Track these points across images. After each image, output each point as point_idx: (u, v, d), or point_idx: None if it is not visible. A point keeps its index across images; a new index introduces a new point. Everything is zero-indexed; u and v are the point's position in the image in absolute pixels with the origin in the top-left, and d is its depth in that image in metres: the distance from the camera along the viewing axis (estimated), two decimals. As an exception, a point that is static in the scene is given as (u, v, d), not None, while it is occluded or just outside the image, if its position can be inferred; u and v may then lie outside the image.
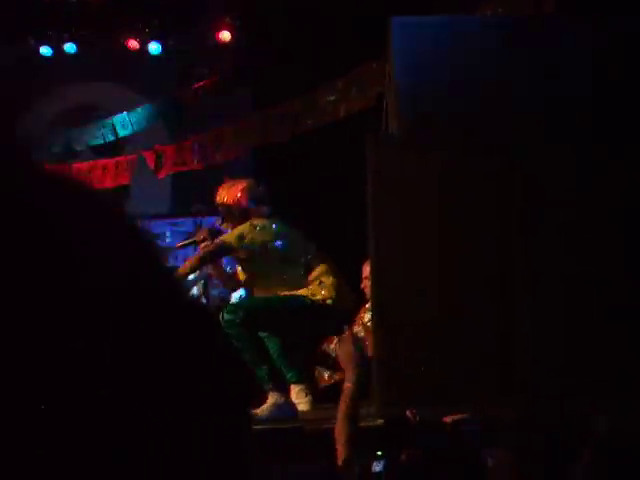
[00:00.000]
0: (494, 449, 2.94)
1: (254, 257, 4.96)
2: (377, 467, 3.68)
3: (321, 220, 8.49)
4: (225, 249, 4.97)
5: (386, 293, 3.94)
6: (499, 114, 3.80)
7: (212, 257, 5.15)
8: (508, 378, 3.73)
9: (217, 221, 5.59)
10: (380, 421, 3.88)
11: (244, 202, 5.07)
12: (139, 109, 9.93)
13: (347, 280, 5.58)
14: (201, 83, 9.47)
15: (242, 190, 5.14)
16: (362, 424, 4.22)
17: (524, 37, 3.85)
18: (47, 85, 10.93)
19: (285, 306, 4.91)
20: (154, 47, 9.82)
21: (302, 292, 4.99)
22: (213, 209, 5.78)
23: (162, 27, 9.53)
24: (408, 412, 3.58)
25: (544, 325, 3.76)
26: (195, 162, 8.83)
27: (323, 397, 4.84)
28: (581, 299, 3.75)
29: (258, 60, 9.25)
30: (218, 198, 5.25)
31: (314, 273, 5.09)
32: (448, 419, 3.43)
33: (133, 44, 9.62)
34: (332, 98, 7.45)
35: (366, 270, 4.87)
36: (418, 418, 3.54)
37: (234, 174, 10.50)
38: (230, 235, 5.00)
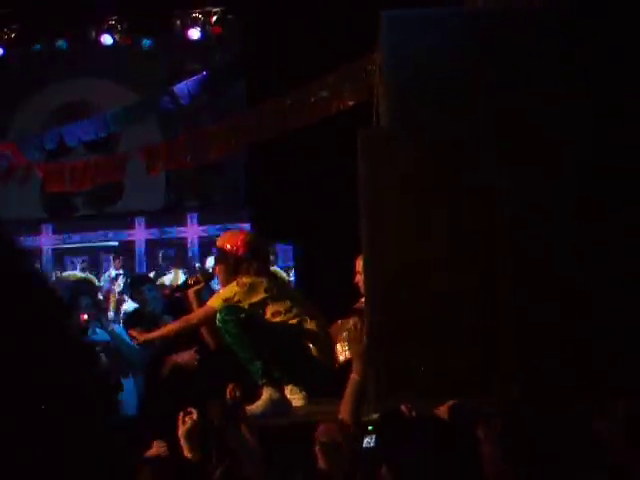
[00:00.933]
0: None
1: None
2: (369, 442, 3.68)
3: (314, 215, 8.50)
4: (211, 317, 4.97)
5: (379, 288, 3.95)
6: (486, 107, 3.81)
7: (198, 326, 5.16)
8: (496, 370, 3.75)
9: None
10: (376, 416, 3.88)
11: (241, 252, 5.08)
12: (131, 105, 9.92)
13: (340, 276, 5.59)
14: (193, 78, 9.46)
15: (242, 240, 5.16)
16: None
17: (512, 31, 3.85)
18: (39, 82, 10.92)
19: (283, 327, 4.92)
20: (145, 43, 9.81)
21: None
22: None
23: (151, 24, 9.52)
24: (403, 407, 3.57)
25: (530, 317, 3.78)
26: (188, 160, 8.83)
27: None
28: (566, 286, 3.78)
29: (250, 55, 9.25)
30: (219, 242, 5.29)
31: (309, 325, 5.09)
32: (443, 412, 3.42)
33: (125, 40, 9.60)
34: (324, 94, 7.45)
35: (359, 264, 4.87)
36: (414, 413, 3.53)
37: (228, 172, 10.52)
38: (216, 299, 5.00)
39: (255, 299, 4.87)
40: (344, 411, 3.59)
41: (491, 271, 3.77)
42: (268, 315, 4.89)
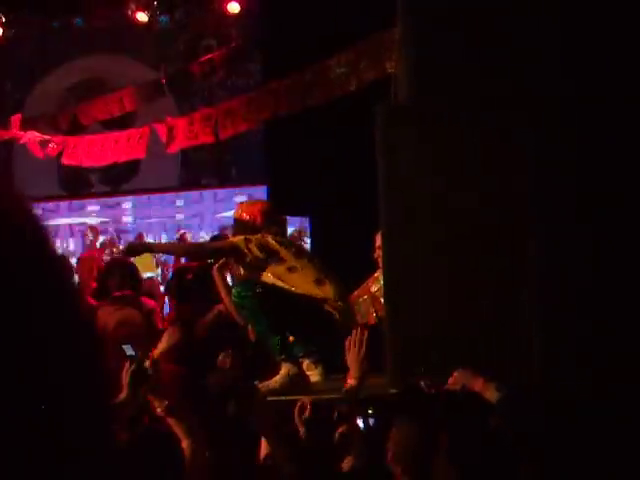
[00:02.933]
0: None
1: (258, 265, 4.94)
2: (369, 423, 3.70)
3: (331, 191, 8.49)
4: (233, 248, 4.93)
5: (398, 262, 3.94)
6: (509, 78, 3.76)
7: (215, 254, 5.15)
8: (517, 345, 3.74)
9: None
10: (393, 391, 3.88)
11: (259, 221, 5.09)
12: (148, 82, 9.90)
13: (360, 251, 5.58)
14: (210, 55, 9.42)
15: (260, 209, 5.17)
16: (374, 392, 4.23)
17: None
18: (56, 59, 10.91)
19: (300, 299, 4.90)
20: (162, 19, 9.78)
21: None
22: None
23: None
24: (422, 382, 3.58)
25: (549, 303, 3.76)
26: (207, 135, 8.80)
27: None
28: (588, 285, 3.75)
29: (268, 31, 9.20)
30: (235, 212, 5.29)
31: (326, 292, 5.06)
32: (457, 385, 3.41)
33: (141, 17, 9.57)
34: (343, 70, 7.40)
35: (378, 239, 4.87)
36: (433, 390, 3.53)
37: (244, 148, 10.52)
38: (237, 237, 5.00)
39: (268, 254, 4.88)
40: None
41: (519, 253, 3.74)
42: (283, 270, 4.86)
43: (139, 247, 5.58)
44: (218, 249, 5.21)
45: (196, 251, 5.49)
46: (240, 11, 9.31)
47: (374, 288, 5.40)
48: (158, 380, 3.39)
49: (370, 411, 3.73)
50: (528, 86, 3.72)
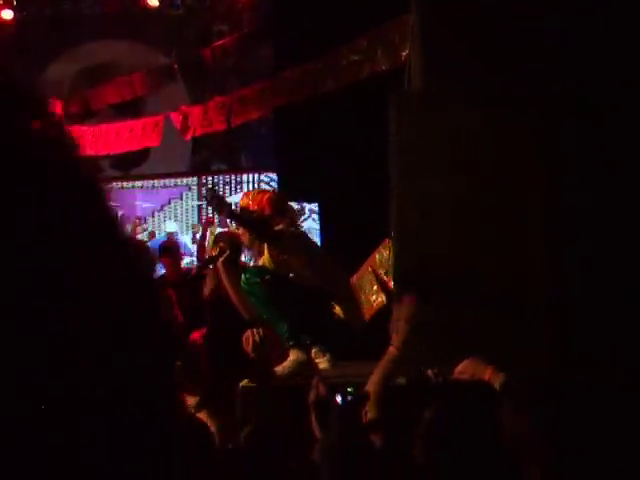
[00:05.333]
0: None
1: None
2: (338, 399, 3.72)
3: (342, 178, 8.47)
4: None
5: (409, 252, 3.93)
6: (524, 65, 3.74)
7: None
8: (526, 333, 3.73)
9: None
10: (402, 380, 3.87)
11: (267, 211, 4.97)
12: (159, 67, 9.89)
13: (369, 237, 5.58)
14: (222, 40, 9.41)
15: (268, 199, 5.03)
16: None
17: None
18: (67, 42, 10.91)
19: (308, 288, 4.87)
20: (174, 4, 9.77)
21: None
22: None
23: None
24: (430, 371, 3.56)
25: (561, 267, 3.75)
26: (220, 123, 8.79)
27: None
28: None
29: (280, 16, 9.17)
30: (242, 201, 5.14)
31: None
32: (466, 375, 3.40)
33: (152, 2, 9.55)
34: (356, 58, 7.37)
35: None
36: (441, 378, 3.52)
37: (255, 135, 10.52)
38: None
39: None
40: (372, 382, 3.58)
41: (520, 233, 3.74)
42: (296, 267, 4.83)
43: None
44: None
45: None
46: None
47: (378, 262, 5.38)
48: (190, 378, 3.40)
49: (349, 389, 3.74)
50: (541, 74, 3.70)
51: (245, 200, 5.08)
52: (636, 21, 3.73)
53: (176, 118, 8.93)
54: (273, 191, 5.88)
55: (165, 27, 10.44)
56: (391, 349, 3.66)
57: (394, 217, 3.87)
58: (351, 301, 5.02)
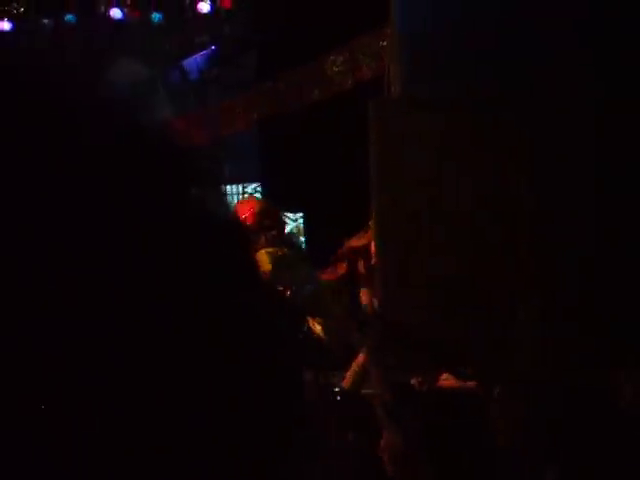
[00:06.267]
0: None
1: None
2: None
3: (325, 188, 8.46)
4: None
5: (391, 259, 3.90)
6: (501, 68, 3.73)
7: None
8: (509, 341, 3.70)
9: None
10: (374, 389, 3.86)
11: (251, 222, 4.91)
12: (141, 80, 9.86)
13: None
14: (203, 52, 9.39)
15: (252, 209, 4.97)
16: (365, 391, 4.20)
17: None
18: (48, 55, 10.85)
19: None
20: (155, 16, 9.74)
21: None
22: None
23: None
24: (414, 380, 3.55)
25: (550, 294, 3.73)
26: (204, 135, 8.77)
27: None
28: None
29: (262, 27, 9.17)
30: None
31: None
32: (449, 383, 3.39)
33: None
34: (340, 68, 7.37)
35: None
36: (425, 387, 3.50)
37: (238, 145, 10.50)
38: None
39: (263, 268, 4.78)
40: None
41: (507, 238, 3.72)
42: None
43: None
44: None
45: None
46: (233, 8, 9.28)
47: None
48: None
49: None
50: (520, 78, 3.69)
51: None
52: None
53: (159, 130, 8.90)
54: (257, 201, 5.80)
55: (146, 39, 10.41)
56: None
57: (375, 227, 3.86)
58: (330, 317, 4.97)
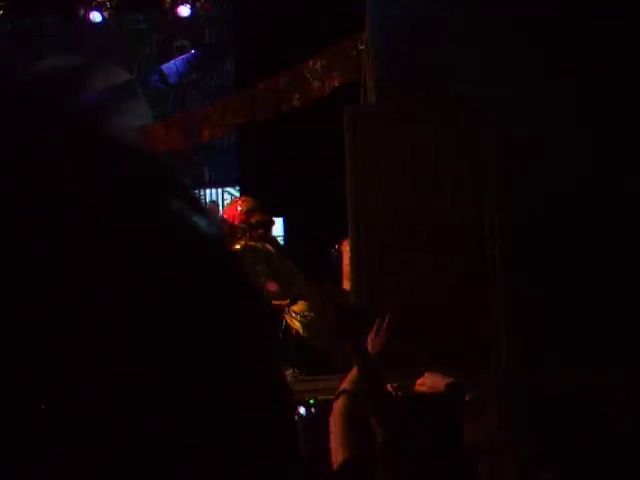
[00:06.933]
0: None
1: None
2: (304, 414, 3.71)
3: (305, 193, 8.47)
4: None
5: (366, 272, 3.92)
6: (473, 74, 3.77)
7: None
8: (485, 348, 3.74)
9: None
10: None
11: (237, 221, 4.97)
12: (121, 83, 9.85)
13: (328, 251, 5.56)
14: (183, 55, 9.39)
15: (239, 210, 5.03)
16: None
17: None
18: (28, 59, 10.81)
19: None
20: (134, 20, 9.73)
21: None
22: None
23: (140, 1, 9.43)
24: (389, 386, 3.55)
25: (520, 294, 3.76)
26: (182, 141, 8.76)
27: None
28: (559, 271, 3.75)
29: (240, 34, 9.18)
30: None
31: (297, 307, 4.97)
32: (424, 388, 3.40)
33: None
34: (317, 73, 7.40)
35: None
36: (400, 393, 3.51)
37: (217, 150, 10.49)
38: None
39: (255, 261, 4.78)
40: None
41: (481, 252, 3.75)
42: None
43: None
44: None
45: None
46: (213, 13, 9.28)
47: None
48: None
49: (311, 401, 3.73)
50: (491, 88, 3.73)
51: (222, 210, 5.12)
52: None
53: (138, 135, 8.88)
54: (243, 200, 5.81)
55: (126, 42, 10.40)
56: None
57: (349, 229, 3.89)
58: (314, 316, 5.00)
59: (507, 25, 3.76)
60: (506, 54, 3.73)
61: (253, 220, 5.03)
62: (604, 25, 3.74)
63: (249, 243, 4.87)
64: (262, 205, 5.58)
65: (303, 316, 4.92)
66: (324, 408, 3.37)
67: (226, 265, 0.59)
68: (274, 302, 4.81)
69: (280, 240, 9.54)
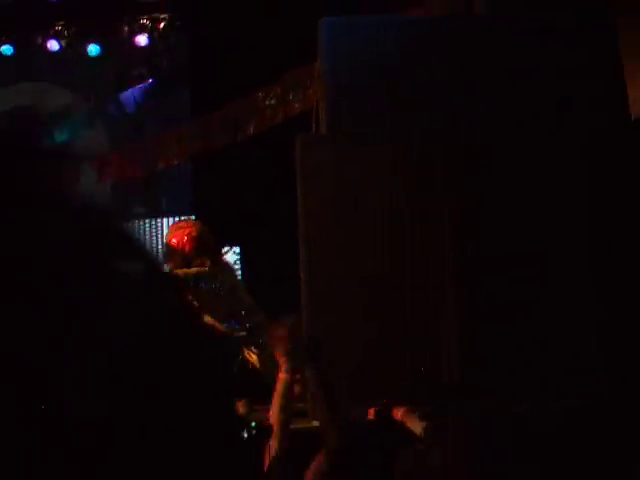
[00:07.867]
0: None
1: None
2: (245, 435, 3.72)
3: (261, 221, 8.49)
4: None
5: (319, 297, 3.94)
6: (425, 112, 3.84)
7: None
8: (439, 373, 3.76)
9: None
10: (315, 423, 3.88)
11: (187, 249, 4.91)
12: (79, 112, 9.83)
13: (291, 280, 5.58)
14: (141, 84, 9.40)
15: (189, 235, 4.96)
16: (299, 425, 4.21)
17: (444, 37, 3.90)
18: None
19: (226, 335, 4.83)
20: (92, 48, 9.73)
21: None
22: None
23: (98, 30, 9.44)
24: (367, 412, 3.57)
25: (473, 319, 3.81)
26: (139, 168, 8.73)
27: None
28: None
29: (196, 63, 9.22)
30: (166, 237, 5.10)
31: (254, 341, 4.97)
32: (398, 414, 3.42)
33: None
34: (272, 102, 7.44)
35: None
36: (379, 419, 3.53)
37: (174, 179, 10.48)
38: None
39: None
40: (274, 414, 3.57)
41: (440, 276, 3.79)
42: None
43: None
44: None
45: None
46: (170, 42, 9.32)
47: None
48: None
49: (253, 424, 3.74)
50: (442, 118, 3.80)
51: (168, 237, 5.04)
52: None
53: (93, 163, 8.86)
54: (193, 225, 5.79)
55: (84, 71, 10.38)
56: (282, 375, 3.66)
57: (301, 257, 3.92)
58: (267, 349, 5.00)
59: (467, 66, 3.85)
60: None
61: (205, 246, 5.01)
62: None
63: (200, 270, 4.87)
64: (211, 230, 5.57)
65: (261, 350, 4.92)
66: (264, 432, 3.39)
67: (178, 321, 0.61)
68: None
69: (237, 268, 9.54)
